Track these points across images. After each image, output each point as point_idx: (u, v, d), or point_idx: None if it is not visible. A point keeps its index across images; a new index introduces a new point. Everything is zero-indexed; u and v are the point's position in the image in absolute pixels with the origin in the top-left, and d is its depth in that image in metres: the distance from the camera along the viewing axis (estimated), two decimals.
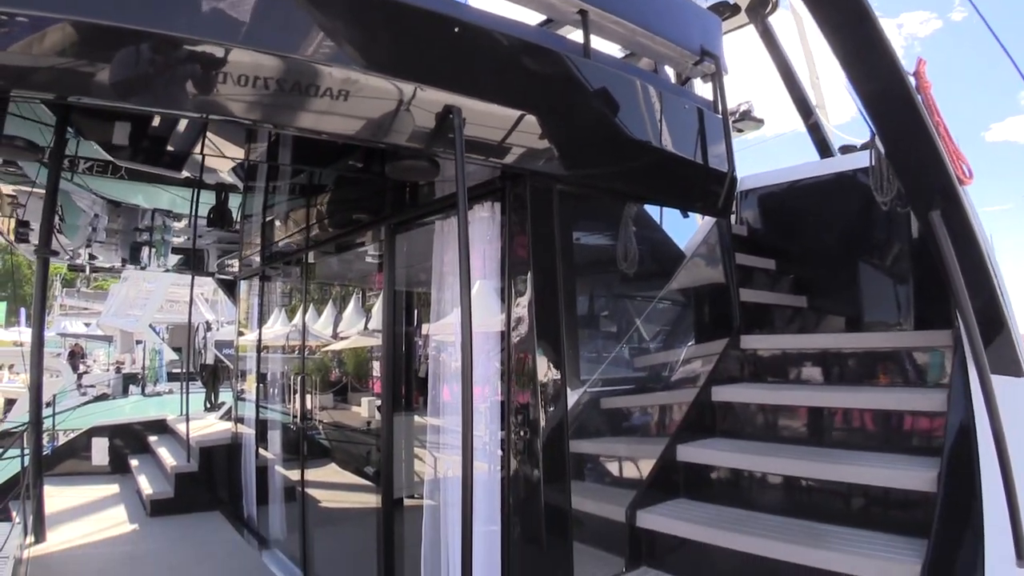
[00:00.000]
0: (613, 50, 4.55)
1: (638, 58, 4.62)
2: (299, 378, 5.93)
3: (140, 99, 2.49)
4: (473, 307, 2.70)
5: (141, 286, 24.43)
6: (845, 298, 5.16)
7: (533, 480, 3.14)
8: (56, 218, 6.83)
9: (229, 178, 6.96)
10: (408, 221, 4.24)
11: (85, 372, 22.67)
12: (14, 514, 6.20)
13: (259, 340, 7.24)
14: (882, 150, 3.56)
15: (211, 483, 7.76)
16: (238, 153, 6.14)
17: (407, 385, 4.50)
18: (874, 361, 3.75)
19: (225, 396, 11.53)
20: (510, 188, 3.30)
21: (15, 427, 8.13)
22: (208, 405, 12.01)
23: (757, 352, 4.16)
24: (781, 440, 3.69)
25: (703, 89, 4.65)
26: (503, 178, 3.32)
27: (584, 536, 3.27)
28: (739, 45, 6.70)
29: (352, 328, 5.66)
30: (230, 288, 9.98)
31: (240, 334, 8.41)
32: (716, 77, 4.43)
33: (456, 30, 2.94)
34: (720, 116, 4.37)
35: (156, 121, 5.36)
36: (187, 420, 8.22)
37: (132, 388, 18.99)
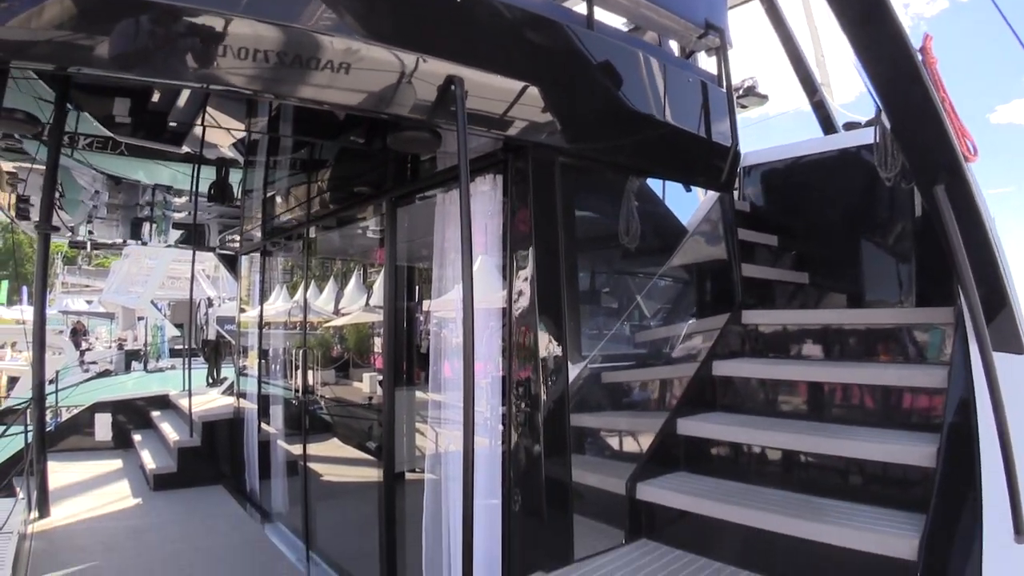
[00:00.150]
0: (617, 23, 4.51)
1: (642, 31, 4.58)
2: (301, 352, 5.95)
3: (141, 70, 2.47)
4: (475, 280, 2.70)
5: (142, 263, 24.43)
6: (847, 275, 5.15)
7: (534, 454, 3.15)
8: (56, 194, 6.82)
9: (230, 153, 6.94)
10: (409, 194, 4.23)
11: (87, 349, 22.74)
12: (18, 490, 6.25)
13: (261, 316, 7.25)
14: (888, 126, 3.53)
15: (213, 457, 7.82)
16: (239, 127, 6.12)
17: (408, 360, 4.51)
18: (875, 338, 3.74)
19: (227, 372, 11.58)
20: (512, 161, 3.29)
21: (18, 404, 8.16)
22: (210, 380, 12.08)
23: (759, 327, 4.16)
24: (781, 415, 3.70)
25: (707, 63, 4.61)
26: (505, 150, 3.31)
27: (584, 509, 3.29)
28: (744, 22, 6.64)
29: (354, 304, 5.66)
30: (231, 263, 9.98)
31: (242, 310, 8.42)
32: (721, 51, 4.39)
33: (458, 0, 2.91)
34: (724, 90, 4.33)
35: (156, 96, 5.34)
36: (189, 395, 8.27)
37: (134, 364, 19.07)
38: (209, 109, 5.62)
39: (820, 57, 7.25)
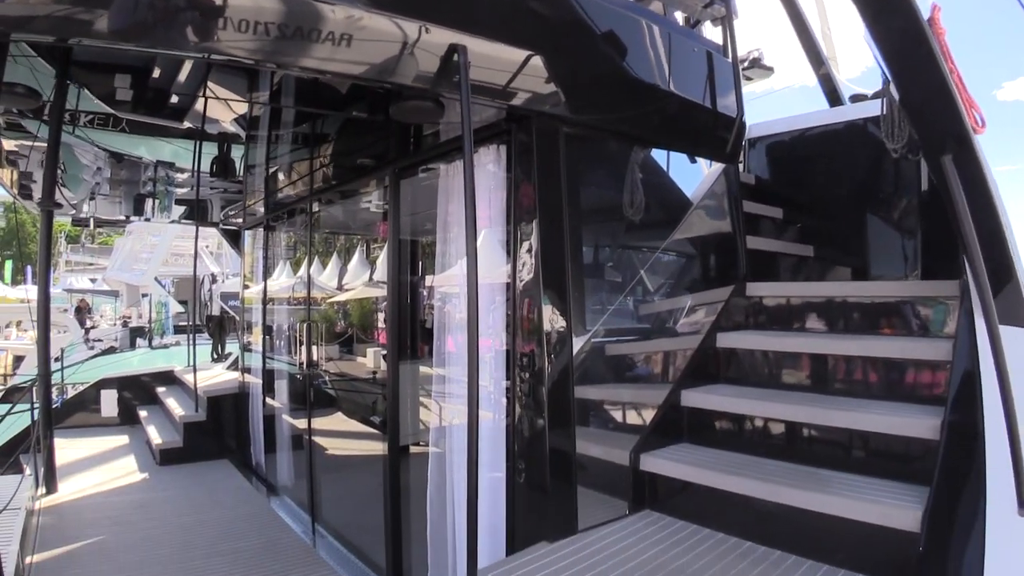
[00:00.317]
0: None
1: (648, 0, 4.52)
2: (305, 326, 5.96)
3: (141, 41, 2.45)
4: (479, 251, 2.69)
5: (146, 240, 24.50)
6: (852, 248, 5.13)
7: (538, 426, 3.16)
8: (59, 172, 6.81)
9: (231, 128, 6.91)
10: (413, 166, 4.21)
11: (92, 327, 22.83)
12: (25, 467, 6.29)
13: (264, 292, 7.26)
14: (896, 97, 3.50)
15: (219, 432, 7.87)
16: (240, 101, 6.08)
17: (412, 334, 4.51)
18: (880, 310, 3.73)
19: (231, 347, 11.63)
20: (516, 130, 3.26)
21: (24, 382, 8.20)
22: (215, 356, 12.13)
23: (763, 300, 4.14)
24: (785, 387, 3.70)
25: (713, 33, 4.55)
26: (509, 120, 3.28)
27: (588, 480, 3.30)
28: None
29: (357, 280, 5.66)
30: (235, 239, 9.98)
31: (245, 287, 8.43)
32: (727, 21, 4.34)
33: None
34: (730, 61, 4.28)
35: (157, 73, 5.30)
36: (194, 371, 8.30)
37: (139, 341, 19.16)
38: (210, 84, 5.60)
39: (826, 31, 7.17)
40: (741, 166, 4.90)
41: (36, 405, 6.42)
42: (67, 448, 7.48)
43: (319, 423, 5.85)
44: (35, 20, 2.22)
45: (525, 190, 3.21)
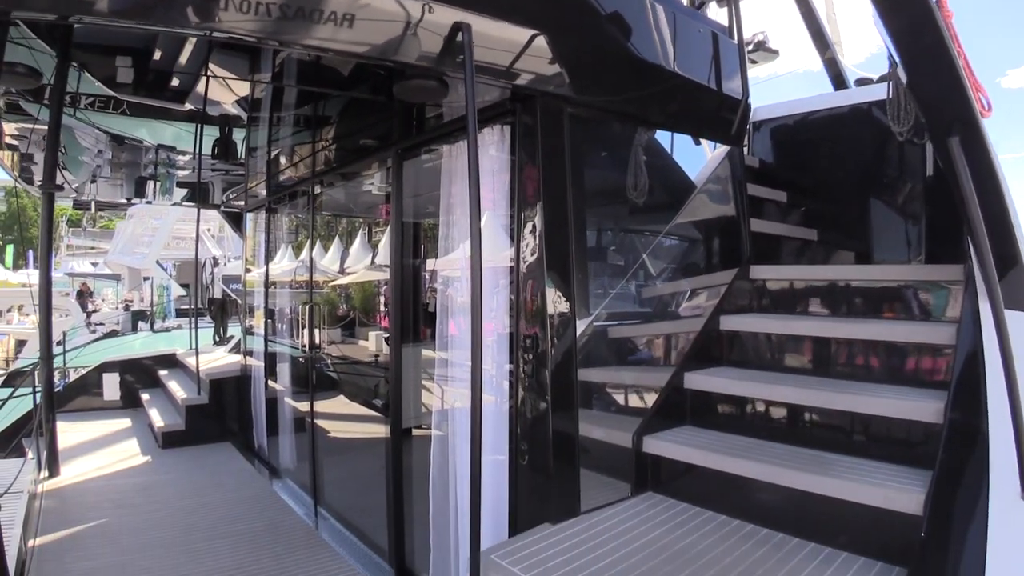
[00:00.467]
0: None
1: None
2: (307, 308, 5.96)
3: (142, 19, 2.42)
4: (482, 233, 2.68)
5: (147, 223, 24.50)
6: (856, 233, 5.11)
7: (541, 408, 3.16)
8: (59, 154, 6.80)
9: (233, 110, 6.88)
10: (417, 146, 4.18)
11: (94, 311, 22.87)
12: (28, 450, 6.31)
13: (266, 275, 7.26)
14: (903, 79, 3.47)
15: (221, 415, 7.89)
16: (242, 82, 6.05)
17: (415, 317, 4.51)
18: (884, 294, 3.72)
19: (233, 330, 11.64)
20: (520, 111, 3.23)
21: (26, 366, 8.22)
22: (217, 339, 12.15)
23: (767, 283, 4.13)
24: (789, 370, 3.69)
25: (719, 15, 4.51)
26: (513, 100, 3.25)
27: (591, 462, 3.31)
28: None
29: (359, 263, 5.65)
30: (236, 221, 9.97)
31: (247, 270, 8.42)
32: (732, 2, 4.31)
33: None
34: (735, 42, 4.25)
35: (158, 55, 5.26)
36: (197, 354, 8.30)
37: (141, 325, 19.17)
38: (211, 65, 5.56)
39: (831, 15, 7.12)
40: (745, 149, 4.87)
41: (38, 389, 6.43)
42: (69, 432, 7.51)
43: (321, 406, 5.86)
44: None
45: (529, 171, 3.19)
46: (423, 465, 3.90)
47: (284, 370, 6.86)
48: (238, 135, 7.48)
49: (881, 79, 5.05)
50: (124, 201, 9.55)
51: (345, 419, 5.74)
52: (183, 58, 5.35)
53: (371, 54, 2.75)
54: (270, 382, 7.13)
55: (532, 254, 3.16)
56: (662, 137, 4.14)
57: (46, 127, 5.94)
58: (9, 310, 25.06)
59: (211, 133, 7.29)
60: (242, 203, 8.55)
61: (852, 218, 5.14)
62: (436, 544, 3.76)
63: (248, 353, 8.04)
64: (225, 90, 6.36)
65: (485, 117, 3.32)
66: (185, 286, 22.57)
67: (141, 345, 14.06)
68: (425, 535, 3.84)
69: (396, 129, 4.42)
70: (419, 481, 4.07)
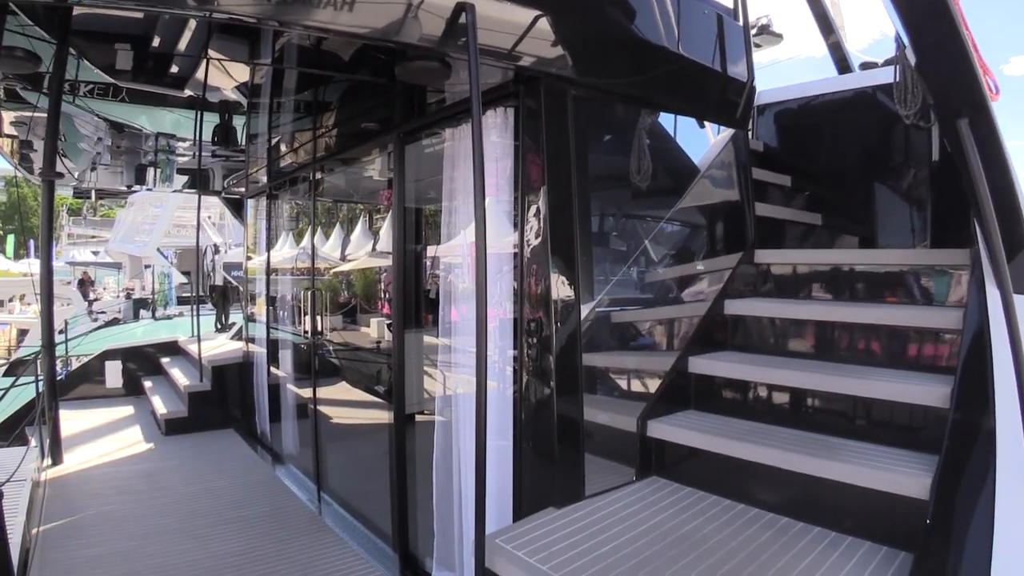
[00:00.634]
0: None
1: None
2: (308, 294, 5.94)
3: (141, 1, 2.39)
4: (487, 213, 2.65)
5: (148, 211, 24.47)
6: (860, 217, 5.07)
7: (545, 393, 3.15)
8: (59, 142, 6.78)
9: (233, 96, 6.85)
10: (419, 129, 4.15)
11: (96, 299, 22.88)
12: (31, 438, 6.32)
13: (268, 262, 7.24)
14: (911, 61, 3.43)
15: (224, 401, 7.90)
16: (241, 68, 6.01)
17: (417, 303, 4.49)
18: (890, 279, 3.70)
19: (235, 317, 11.64)
20: (524, 92, 3.19)
21: (29, 355, 8.23)
22: (219, 326, 12.15)
23: (771, 267, 4.10)
24: (793, 355, 3.67)
25: None
26: (516, 82, 3.21)
27: (595, 447, 3.29)
28: None
29: (360, 250, 5.63)
30: (237, 208, 9.94)
31: (248, 257, 8.41)
32: None
33: None
34: (740, 24, 4.21)
35: (157, 42, 5.23)
36: (199, 340, 8.30)
37: (143, 312, 19.16)
38: (211, 51, 5.53)
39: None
40: (750, 133, 4.83)
41: (41, 377, 6.43)
42: (72, 419, 7.53)
43: (324, 392, 5.86)
44: None
45: (533, 153, 3.16)
46: (426, 451, 3.89)
47: (286, 356, 6.85)
48: (238, 121, 7.45)
49: (887, 62, 5.01)
50: (124, 188, 9.52)
51: (347, 405, 5.74)
52: (182, 44, 5.32)
53: (373, 35, 2.72)
54: (272, 368, 7.13)
55: (536, 237, 3.13)
56: (666, 120, 4.10)
57: (45, 115, 5.92)
58: (11, 300, 25.11)
59: (211, 120, 7.26)
60: (243, 189, 8.52)
61: (856, 203, 5.10)
62: (440, 529, 3.76)
63: (250, 340, 8.03)
64: (224, 76, 6.32)
65: (488, 99, 3.29)
66: (186, 273, 22.58)
67: (143, 333, 14.06)
68: (429, 520, 3.83)
69: (398, 113, 4.39)
70: (422, 467, 4.06)
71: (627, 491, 3.24)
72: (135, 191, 10.25)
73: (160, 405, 7.79)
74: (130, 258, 25.84)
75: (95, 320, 18.03)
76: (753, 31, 5.65)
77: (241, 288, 9.80)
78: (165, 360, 9.33)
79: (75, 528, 4.74)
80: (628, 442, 3.47)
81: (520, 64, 3.07)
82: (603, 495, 3.17)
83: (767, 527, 2.86)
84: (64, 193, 11.82)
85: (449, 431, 3.68)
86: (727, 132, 4.36)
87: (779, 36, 6.23)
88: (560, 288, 3.14)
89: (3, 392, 6.11)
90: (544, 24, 3.05)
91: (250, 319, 8.20)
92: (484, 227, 2.61)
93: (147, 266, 24.39)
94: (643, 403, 3.57)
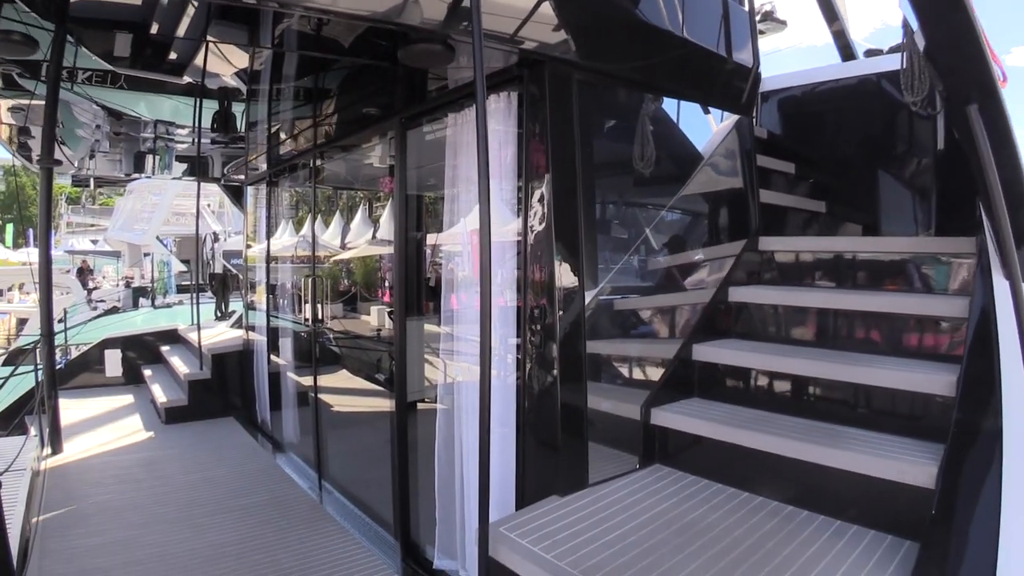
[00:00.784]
0: None
1: None
2: (309, 282, 5.92)
3: None
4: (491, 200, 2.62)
5: (147, 199, 24.41)
6: (864, 205, 5.05)
7: (548, 381, 3.13)
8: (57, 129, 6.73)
9: (232, 83, 6.79)
10: (421, 114, 4.11)
11: (95, 288, 22.84)
12: (30, 428, 6.30)
13: (267, 250, 7.21)
14: (920, 47, 3.39)
15: (224, 390, 7.89)
16: (241, 54, 5.95)
17: (418, 291, 4.47)
18: (894, 266, 3.68)
19: (235, 305, 11.62)
20: (528, 76, 3.15)
21: (28, 344, 8.21)
22: (218, 314, 12.13)
23: (775, 255, 4.08)
24: (797, 342, 3.66)
25: None
26: (520, 66, 3.16)
27: (598, 435, 3.28)
28: None
29: (360, 238, 5.60)
30: (237, 195, 9.90)
31: (248, 245, 8.37)
32: None
33: None
34: (746, 9, 4.17)
35: (155, 28, 5.17)
36: (198, 329, 8.28)
37: (142, 301, 19.12)
38: (210, 36, 5.47)
39: None
40: (754, 120, 4.80)
41: (40, 366, 6.40)
42: (72, 408, 7.49)
43: (324, 380, 5.84)
44: None
45: (537, 138, 3.12)
46: (427, 439, 3.88)
47: (286, 345, 6.84)
48: (237, 108, 7.39)
49: (892, 49, 4.98)
50: (123, 176, 9.47)
51: (348, 393, 5.72)
52: (181, 30, 5.26)
53: (375, 17, 2.68)
54: (272, 357, 7.11)
55: (541, 223, 3.10)
56: (670, 106, 4.06)
57: (43, 102, 5.87)
58: (10, 289, 25.04)
59: (210, 106, 7.20)
60: (242, 177, 8.47)
61: (860, 191, 5.08)
62: (442, 517, 3.75)
63: (250, 328, 8.01)
64: (224, 62, 6.26)
65: (491, 83, 3.23)
66: (186, 262, 22.54)
67: (142, 321, 14.04)
68: (431, 508, 3.82)
69: (399, 98, 4.35)
70: (424, 455, 4.05)
71: (631, 479, 3.23)
72: (134, 179, 10.18)
73: (160, 394, 7.77)
74: (129, 246, 25.79)
75: (94, 309, 18.00)
76: (757, 17, 5.60)
77: (241, 276, 9.77)
78: (165, 348, 9.30)
79: (75, 517, 4.73)
80: (632, 430, 3.45)
81: (524, 47, 3.03)
82: (607, 483, 3.16)
83: (771, 515, 2.85)
84: (62, 182, 11.76)
85: (451, 419, 3.66)
86: (731, 119, 4.33)
87: (783, 23, 6.20)
88: (564, 275, 3.12)
89: (3, 381, 6.10)
90: (548, 7, 3.01)
91: (250, 307, 8.18)
92: (488, 214, 2.58)
93: (146, 254, 24.34)
94: (647, 391, 3.56)
